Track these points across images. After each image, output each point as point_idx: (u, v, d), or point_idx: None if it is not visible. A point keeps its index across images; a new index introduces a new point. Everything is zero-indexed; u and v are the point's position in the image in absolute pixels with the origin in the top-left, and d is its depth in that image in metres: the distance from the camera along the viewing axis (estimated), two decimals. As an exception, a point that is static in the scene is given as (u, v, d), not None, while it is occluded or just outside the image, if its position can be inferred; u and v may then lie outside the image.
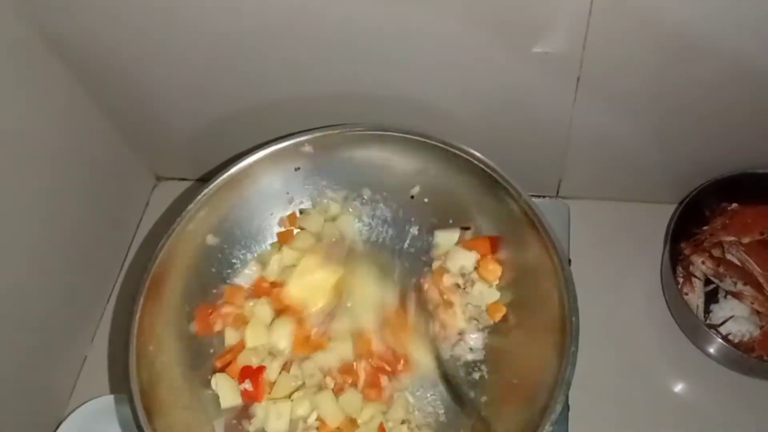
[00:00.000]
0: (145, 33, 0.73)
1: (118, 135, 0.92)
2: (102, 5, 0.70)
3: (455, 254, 0.78)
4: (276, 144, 0.76)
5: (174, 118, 0.89)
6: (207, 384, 0.74)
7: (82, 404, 0.81)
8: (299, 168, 0.79)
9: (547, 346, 0.64)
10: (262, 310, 0.77)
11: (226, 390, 0.73)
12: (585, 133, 0.81)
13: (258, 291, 0.79)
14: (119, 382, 0.83)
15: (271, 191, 0.80)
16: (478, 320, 0.76)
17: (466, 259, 0.77)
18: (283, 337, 0.75)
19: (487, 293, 0.76)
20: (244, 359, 0.74)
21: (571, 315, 0.62)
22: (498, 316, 0.74)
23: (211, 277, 0.78)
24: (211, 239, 0.77)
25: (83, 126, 0.85)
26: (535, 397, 0.62)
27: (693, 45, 0.66)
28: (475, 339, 0.74)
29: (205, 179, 0.77)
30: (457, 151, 0.73)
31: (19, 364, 0.76)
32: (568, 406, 0.72)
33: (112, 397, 0.82)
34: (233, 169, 0.75)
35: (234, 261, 0.80)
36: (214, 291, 0.78)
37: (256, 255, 0.81)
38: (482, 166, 0.72)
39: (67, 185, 0.83)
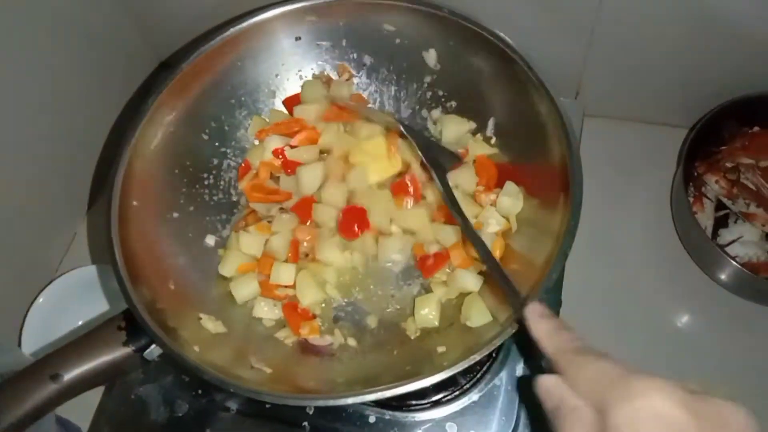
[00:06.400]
0: None
1: (125, 15, 0.89)
2: None
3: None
4: (277, 8, 0.71)
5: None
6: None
7: (67, 272, 0.81)
8: (300, 38, 0.75)
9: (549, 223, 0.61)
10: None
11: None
12: (607, 41, 0.78)
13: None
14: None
15: (268, 62, 0.75)
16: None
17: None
18: None
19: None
20: None
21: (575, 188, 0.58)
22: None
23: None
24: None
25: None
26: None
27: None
28: None
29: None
30: (471, 26, 0.68)
31: (11, 231, 0.76)
32: (560, 301, 0.68)
33: (95, 267, 0.80)
34: (232, 29, 0.71)
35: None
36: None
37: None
38: (499, 44, 0.67)
39: (70, 55, 0.81)
